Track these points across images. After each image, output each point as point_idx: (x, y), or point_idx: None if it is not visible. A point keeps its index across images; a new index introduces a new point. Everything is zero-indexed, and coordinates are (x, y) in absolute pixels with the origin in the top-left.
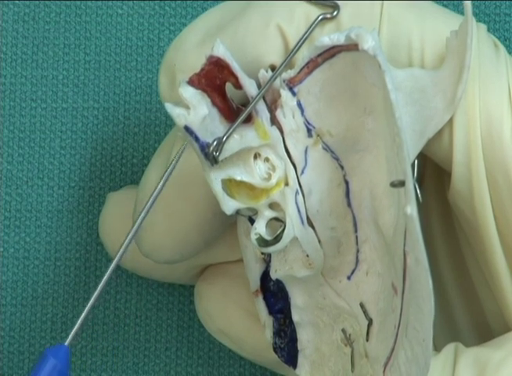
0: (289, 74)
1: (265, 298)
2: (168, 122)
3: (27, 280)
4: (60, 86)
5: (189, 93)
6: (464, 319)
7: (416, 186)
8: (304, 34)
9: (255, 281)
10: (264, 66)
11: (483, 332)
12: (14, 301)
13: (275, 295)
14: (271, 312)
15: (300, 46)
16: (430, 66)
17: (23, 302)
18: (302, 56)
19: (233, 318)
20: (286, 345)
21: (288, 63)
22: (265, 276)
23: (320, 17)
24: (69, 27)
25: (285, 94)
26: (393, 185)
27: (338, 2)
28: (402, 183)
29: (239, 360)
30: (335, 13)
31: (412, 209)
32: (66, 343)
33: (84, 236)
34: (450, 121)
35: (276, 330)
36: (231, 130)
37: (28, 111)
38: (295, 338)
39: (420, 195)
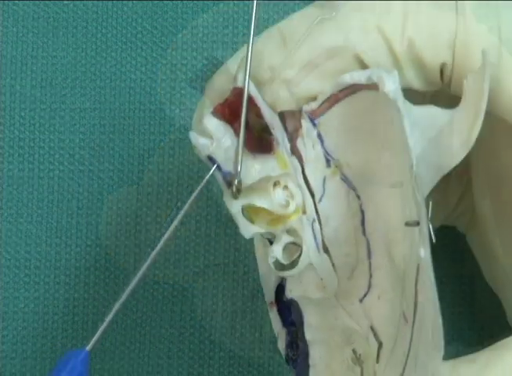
0: (311, 106)
1: (279, 311)
2: (180, 181)
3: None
4: (77, 149)
5: (213, 124)
6: None
7: (430, 228)
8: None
9: (270, 293)
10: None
11: None
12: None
13: (289, 307)
14: (285, 324)
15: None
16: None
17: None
18: (324, 91)
19: None
20: (298, 357)
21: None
22: (280, 289)
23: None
24: (84, 92)
25: (306, 125)
26: (408, 224)
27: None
28: (416, 223)
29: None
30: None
31: (425, 252)
32: (88, 348)
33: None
34: None
35: (289, 342)
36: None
37: (46, 173)
38: (307, 351)
39: (433, 236)
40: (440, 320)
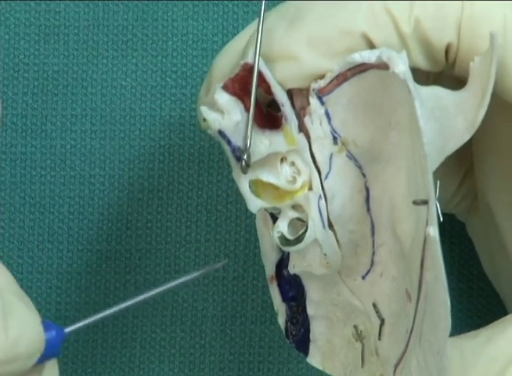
0: (319, 84)
1: (279, 285)
2: (170, 187)
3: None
4: (68, 155)
5: (224, 99)
6: None
7: (438, 206)
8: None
9: (271, 268)
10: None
11: None
12: None
13: (289, 282)
14: (284, 299)
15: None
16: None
17: None
18: (333, 69)
19: None
20: (298, 332)
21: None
22: (281, 264)
23: None
24: (76, 99)
25: (314, 102)
26: (415, 203)
27: None
28: (424, 202)
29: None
30: None
31: (434, 231)
32: (67, 330)
33: (92, 295)
34: None
35: (289, 318)
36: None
37: (38, 179)
38: (307, 326)
39: (440, 215)
40: (448, 299)
